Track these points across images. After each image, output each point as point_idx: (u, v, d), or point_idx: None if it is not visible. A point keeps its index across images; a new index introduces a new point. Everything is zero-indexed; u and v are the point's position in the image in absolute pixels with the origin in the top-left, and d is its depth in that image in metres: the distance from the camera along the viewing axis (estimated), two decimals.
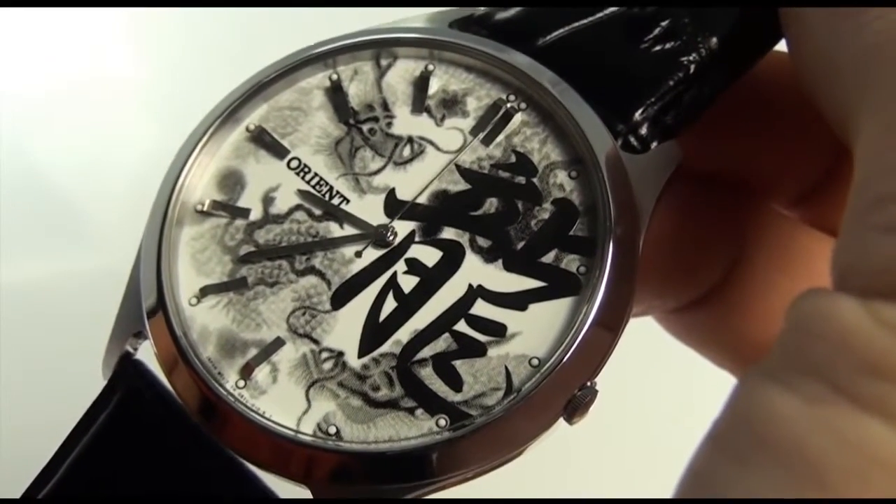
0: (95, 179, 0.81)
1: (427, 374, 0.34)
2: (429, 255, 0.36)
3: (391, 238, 0.36)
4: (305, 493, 0.34)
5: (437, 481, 0.33)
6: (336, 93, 0.38)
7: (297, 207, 0.37)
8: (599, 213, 0.35)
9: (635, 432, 0.66)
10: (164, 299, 0.35)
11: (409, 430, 0.34)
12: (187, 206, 0.37)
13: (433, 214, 0.36)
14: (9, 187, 0.78)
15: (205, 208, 0.37)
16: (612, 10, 0.38)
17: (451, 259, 0.35)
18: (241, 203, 0.37)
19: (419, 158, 0.37)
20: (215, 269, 0.36)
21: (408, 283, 0.35)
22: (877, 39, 0.28)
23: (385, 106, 0.38)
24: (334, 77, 0.38)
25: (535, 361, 0.34)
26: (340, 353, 0.35)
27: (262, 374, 0.35)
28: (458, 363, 0.34)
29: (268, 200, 0.37)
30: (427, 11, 0.40)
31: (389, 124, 0.38)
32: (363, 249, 0.36)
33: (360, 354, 0.35)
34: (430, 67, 0.38)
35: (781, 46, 0.36)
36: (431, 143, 0.37)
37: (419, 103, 0.38)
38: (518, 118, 0.37)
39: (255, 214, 0.37)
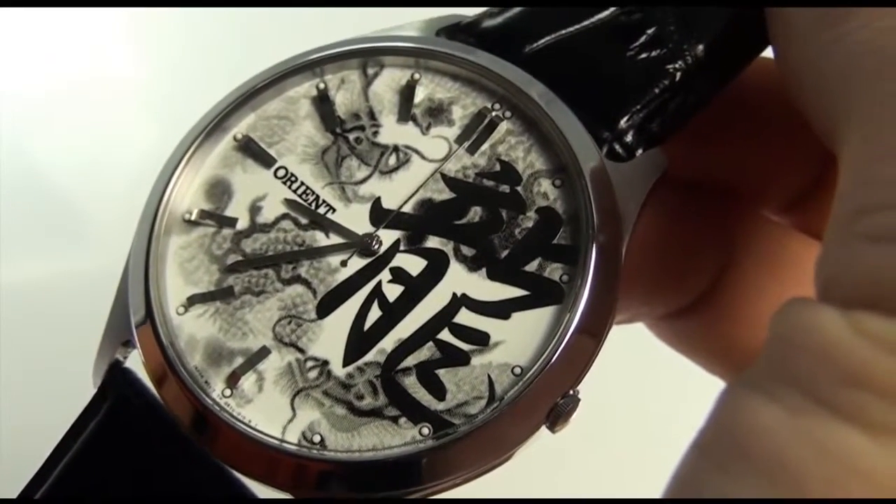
0: (95, 179, 0.81)
1: (411, 383, 0.34)
2: (413, 264, 0.36)
3: (376, 247, 0.36)
4: None
5: (421, 489, 0.33)
6: (323, 102, 0.39)
7: (284, 216, 0.37)
8: (582, 221, 0.35)
9: (624, 437, 0.67)
10: (151, 308, 0.35)
11: (393, 438, 0.34)
12: (175, 215, 0.37)
13: (418, 223, 0.36)
14: (9, 187, 0.78)
15: (193, 217, 0.37)
16: (599, 17, 0.38)
17: (436, 268, 0.36)
18: (229, 212, 0.37)
19: (405, 167, 0.37)
20: (203, 279, 0.37)
21: (392, 291, 0.36)
22: (860, 49, 0.28)
23: (371, 115, 0.38)
24: (321, 86, 0.39)
25: (518, 370, 0.34)
26: (325, 362, 0.35)
27: (248, 382, 0.35)
28: (441, 372, 0.34)
29: (255, 209, 0.37)
30: (419, 18, 0.40)
31: (375, 133, 0.38)
32: (348, 258, 0.36)
33: (345, 363, 0.35)
34: (417, 76, 0.38)
35: (769, 52, 0.36)
36: (417, 151, 0.37)
37: (405, 112, 0.38)
38: (503, 127, 0.37)
39: (243, 223, 0.37)
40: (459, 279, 0.35)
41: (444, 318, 0.35)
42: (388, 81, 0.39)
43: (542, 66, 0.37)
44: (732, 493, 0.24)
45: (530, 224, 0.36)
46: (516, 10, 0.38)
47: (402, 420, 0.34)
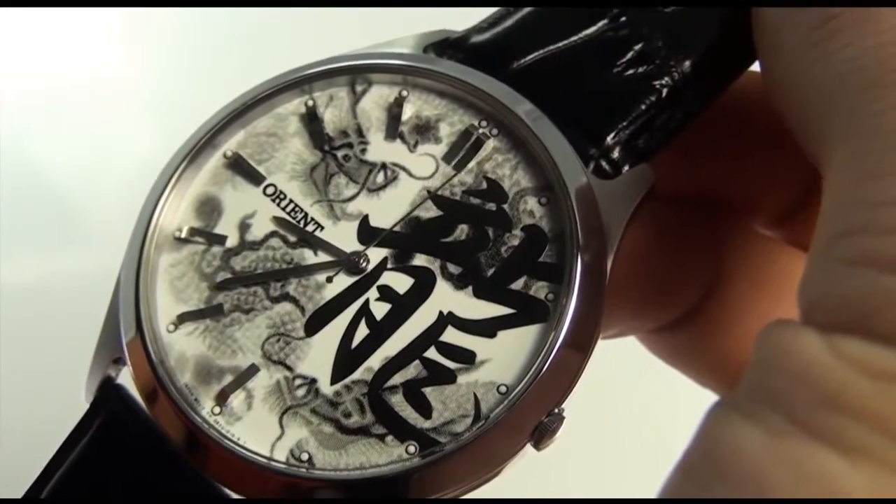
0: (95, 179, 0.81)
1: (398, 401, 0.35)
2: (400, 282, 0.36)
3: (364, 265, 0.36)
4: None
5: None
6: (311, 119, 0.39)
7: (273, 234, 0.37)
8: (567, 240, 0.35)
9: (613, 450, 0.67)
10: (142, 326, 0.36)
11: (380, 456, 0.34)
12: (166, 232, 0.38)
13: (405, 241, 0.37)
14: (9, 187, 0.79)
15: (183, 235, 0.38)
16: (587, 33, 0.38)
17: (423, 286, 0.36)
18: (218, 230, 0.38)
19: (392, 185, 0.37)
20: (192, 296, 0.37)
21: (380, 309, 0.36)
22: (844, 68, 0.28)
23: (359, 132, 0.38)
24: (310, 103, 0.39)
25: (503, 388, 0.34)
26: (313, 380, 0.35)
27: (237, 400, 0.35)
28: (427, 390, 0.35)
29: (244, 227, 0.38)
30: (410, 33, 0.40)
31: (363, 150, 0.38)
32: (335, 275, 0.36)
33: (333, 381, 0.35)
34: (404, 93, 0.39)
35: (756, 66, 0.36)
36: (404, 169, 0.38)
37: (393, 129, 0.38)
38: (490, 144, 0.38)
39: (232, 241, 0.38)
40: (446, 297, 0.36)
41: (430, 336, 0.35)
42: (376, 99, 0.39)
43: (530, 83, 0.37)
44: None
45: (516, 242, 0.36)
46: (504, 26, 0.39)
47: (389, 438, 0.34)
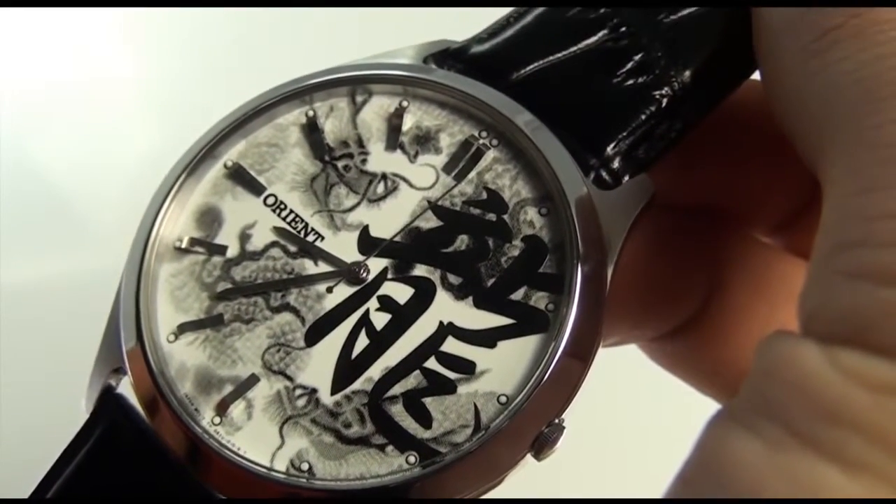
0: (95, 179, 0.81)
1: (398, 411, 0.35)
2: (401, 292, 0.36)
3: (364, 275, 0.36)
4: None
5: None
6: (312, 129, 0.39)
7: (273, 244, 0.37)
8: (567, 250, 0.36)
9: (614, 461, 0.67)
10: (142, 336, 0.36)
11: (380, 466, 0.34)
12: (166, 242, 0.38)
13: (405, 251, 0.37)
14: (9, 187, 0.79)
15: (183, 245, 0.38)
16: (586, 43, 0.38)
17: (423, 296, 0.36)
18: (219, 240, 0.38)
19: (392, 195, 0.38)
20: (193, 306, 0.37)
21: (380, 320, 0.36)
22: (843, 80, 0.28)
23: (360, 142, 0.39)
24: (310, 113, 0.39)
25: (504, 399, 0.35)
26: (314, 390, 0.35)
27: (237, 410, 0.36)
28: (428, 400, 0.35)
29: (244, 237, 0.38)
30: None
31: (364, 161, 0.38)
32: (335, 285, 0.37)
33: (333, 391, 0.35)
34: (405, 104, 0.39)
35: (756, 74, 0.36)
36: (405, 179, 0.38)
37: (393, 140, 0.38)
38: (490, 155, 0.38)
39: (232, 251, 0.38)
40: (446, 307, 0.36)
41: (430, 346, 0.35)
42: (377, 109, 0.39)
43: (530, 93, 0.37)
44: None
45: (516, 252, 0.36)
46: (504, 36, 0.39)
47: (389, 448, 0.34)
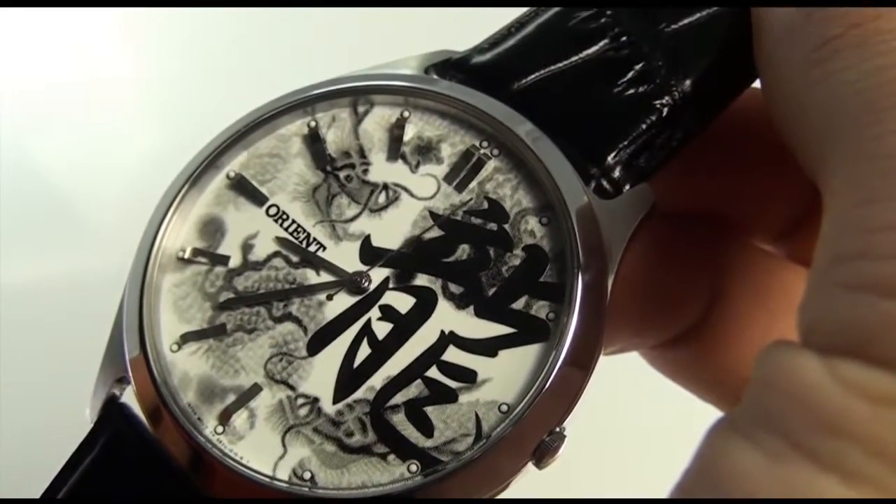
0: (95, 179, 0.81)
1: (399, 420, 0.35)
2: (402, 302, 0.36)
3: (366, 285, 0.37)
4: None
5: None
6: (314, 140, 0.39)
7: (276, 254, 0.38)
8: (568, 259, 0.36)
9: (615, 469, 0.67)
10: (145, 346, 0.36)
11: (382, 475, 0.34)
12: (169, 253, 0.38)
13: (407, 261, 0.37)
14: (9, 187, 0.79)
15: (186, 255, 0.38)
16: (587, 53, 0.38)
17: (424, 306, 0.36)
18: (221, 250, 0.38)
19: (394, 205, 0.38)
20: (196, 316, 0.37)
21: (382, 329, 0.36)
22: (844, 91, 0.28)
23: (361, 153, 0.39)
24: (312, 124, 0.39)
25: (505, 408, 0.35)
26: (316, 399, 0.36)
27: (239, 419, 0.36)
28: (429, 409, 0.35)
29: (247, 247, 0.38)
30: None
31: (365, 171, 0.38)
32: (337, 295, 0.37)
33: (335, 400, 0.36)
34: (406, 114, 0.39)
35: (757, 83, 0.37)
36: (406, 189, 0.38)
37: (394, 150, 0.38)
38: (490, 165, 0.38)
39: (235, 261, 0.38)
40: (447, 317, 0.36)
41: (432, 355, 0.36)
42: (378, 119, 0.39)
43: (531, 103, 0.38)
44: None
45: (517, 262, 0.36)
46: (504, 46, 0.39)
47: (391, 457, 0.35)
